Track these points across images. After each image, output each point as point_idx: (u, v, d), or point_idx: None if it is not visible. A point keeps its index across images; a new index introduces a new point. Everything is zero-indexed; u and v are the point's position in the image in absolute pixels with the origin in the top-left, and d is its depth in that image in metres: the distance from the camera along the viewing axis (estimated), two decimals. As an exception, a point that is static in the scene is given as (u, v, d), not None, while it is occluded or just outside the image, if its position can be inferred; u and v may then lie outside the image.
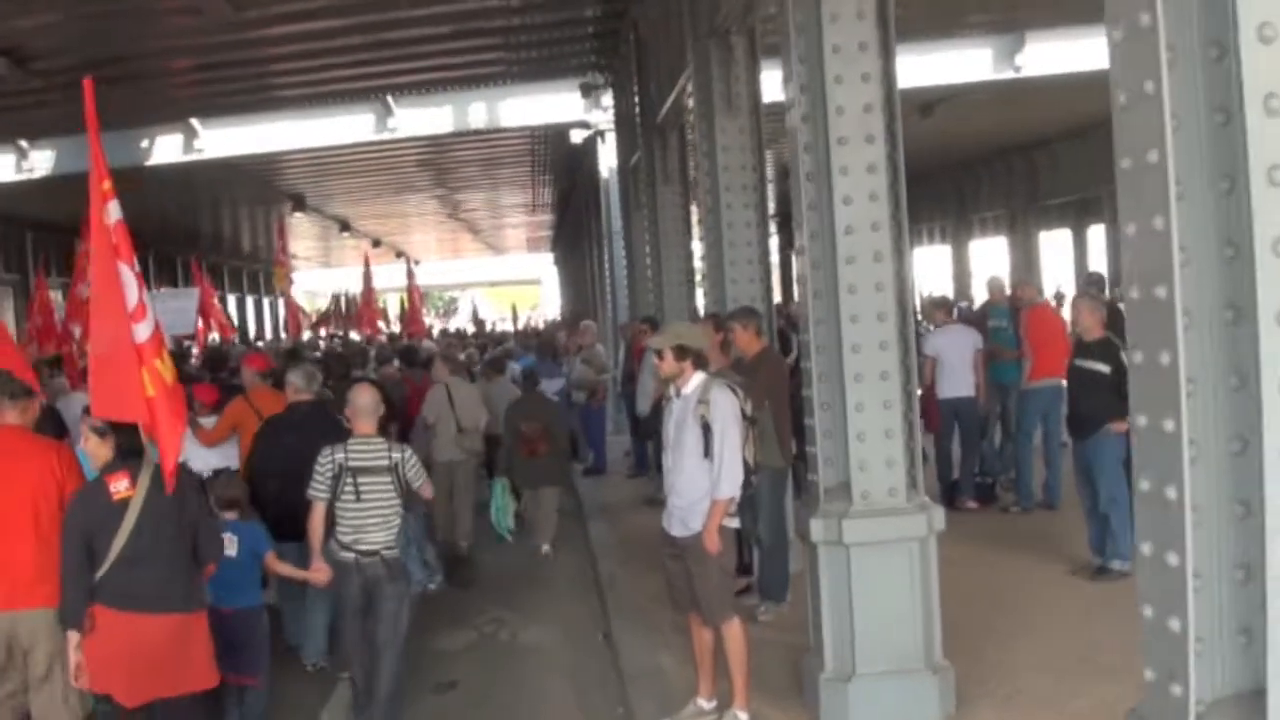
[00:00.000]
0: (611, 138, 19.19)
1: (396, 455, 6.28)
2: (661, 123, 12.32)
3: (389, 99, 18.92)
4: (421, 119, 19.44)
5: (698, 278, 11.73)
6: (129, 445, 5.19)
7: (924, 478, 5.86)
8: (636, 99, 13.57)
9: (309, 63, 14.91)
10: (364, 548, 6.15)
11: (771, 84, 7.26)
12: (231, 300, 46.94)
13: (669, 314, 12.60)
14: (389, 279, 59.89)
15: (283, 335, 24.31)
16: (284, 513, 6.74)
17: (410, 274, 30.06)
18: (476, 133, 19.94)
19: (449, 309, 70.22)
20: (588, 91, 16.64)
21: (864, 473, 5.52)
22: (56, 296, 19.81)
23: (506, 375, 13.64)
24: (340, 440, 6.35)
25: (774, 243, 10.60)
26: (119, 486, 5.06)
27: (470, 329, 37.90)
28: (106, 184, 5.19)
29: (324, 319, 35.24)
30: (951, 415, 10.83)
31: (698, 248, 10.60)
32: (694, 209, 11.76)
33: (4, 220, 26.11)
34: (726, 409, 5.79)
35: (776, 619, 7.58)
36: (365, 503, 6.16)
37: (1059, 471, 10.44)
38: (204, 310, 23.64)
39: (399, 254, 50.38)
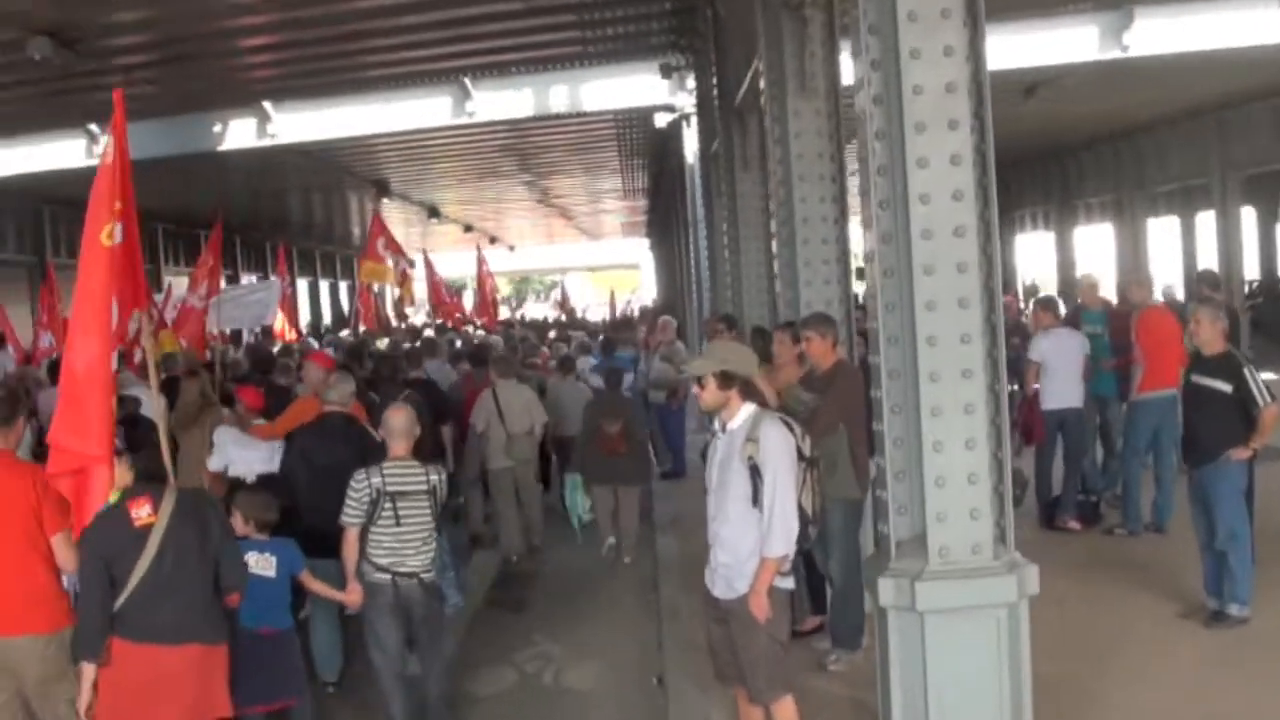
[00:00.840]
0: (696, 121, 18.42)
1: (434, 478, 6.19)
2: (740, 105, 11.44)
3: (466, 81, 18.34)
4: (500, 102, 18.85)
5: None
6: (151, 469, 5.07)
7: (1023, 498, 4.91)
8: (715, 80, 12.68)
9: (380, 41, 14.39)
10: (403, 570, 6.05)
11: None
12: (324, 287, 47.25)
13: (747, 312, 11.79)
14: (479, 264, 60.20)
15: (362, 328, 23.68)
16: (310, 528, 6.56)
17: (481, 260, 28.64)
18: (557, 116, 19.26)
19: (548, 293, 70.26)
20: (668, 72, 15.77)
21: (943, 525, 4.59)
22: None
23: (577, 374, 13.17)
24: (370, 456, 6.39)
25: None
26: (141, 512, 4.85)
27: (557, 315, 37.30)
28: (118, 204, 5.02)
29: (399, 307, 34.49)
30: (1056, 428, 9.85)
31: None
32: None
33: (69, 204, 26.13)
34: (779, 449, 4.93)
35: (848, 669, 6.72)
36: (405, 526, 6.04)
37: (1170, 492, 9.34)
38: (282, 303, 23.22)
39: (492, 239, 50.22)
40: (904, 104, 4.48)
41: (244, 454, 8.32)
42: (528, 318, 40.88)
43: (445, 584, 6.67)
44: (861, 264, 5.74)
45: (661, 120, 18.78)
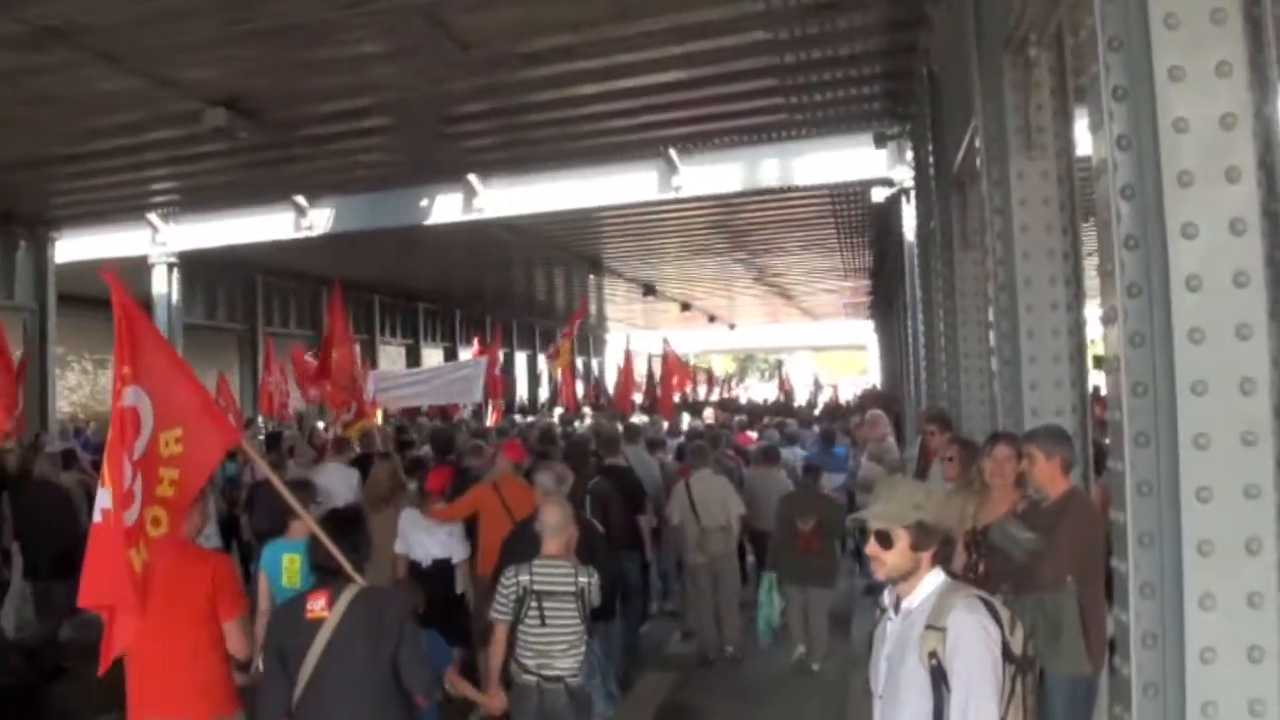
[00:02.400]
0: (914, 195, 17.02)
1: (583, 580, 6.08)
2: (958, 173, 10.01)
3: (672, 154, 17.52)
4: (708, 177, 17.96)
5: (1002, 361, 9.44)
6: (321, 562, 5.04)
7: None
8: (931, 148, 11.29)
9: (583, 110, 13.69)
10: (549, 674, 5.99)
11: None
12: (542, 361, 47.42)
13: (965, 412, 10.25)
14: (706, 342, 59.69)
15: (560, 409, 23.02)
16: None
17: (665, 341, 26.73)
18: (768, 191, 18.17)
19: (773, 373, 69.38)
20: (882, 141, 14.42)
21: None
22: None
23: (780, 466, 12.39)
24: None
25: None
26: (315, 605, 4.87)
27: (777, 397, 35.99)
28: (127, 369, 4.83)
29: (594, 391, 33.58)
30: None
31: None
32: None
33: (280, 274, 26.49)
34: (976, 647, 3.41)
35: None
36: (550, 627, 5.97)
37: None
38: (491, 382, 22.83)
39: (711, 318, 49.41)
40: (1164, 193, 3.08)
41: (422, 539, 8.48)
42: (746, 398, 40.01)
43: (594, 691, 6.43)
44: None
45: (879, 195, 17.47)
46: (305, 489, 6.74)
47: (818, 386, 42.17)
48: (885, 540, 3.60)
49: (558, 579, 6.01)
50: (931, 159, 11.24)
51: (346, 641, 4.78)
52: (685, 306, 40.28)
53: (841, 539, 11.08)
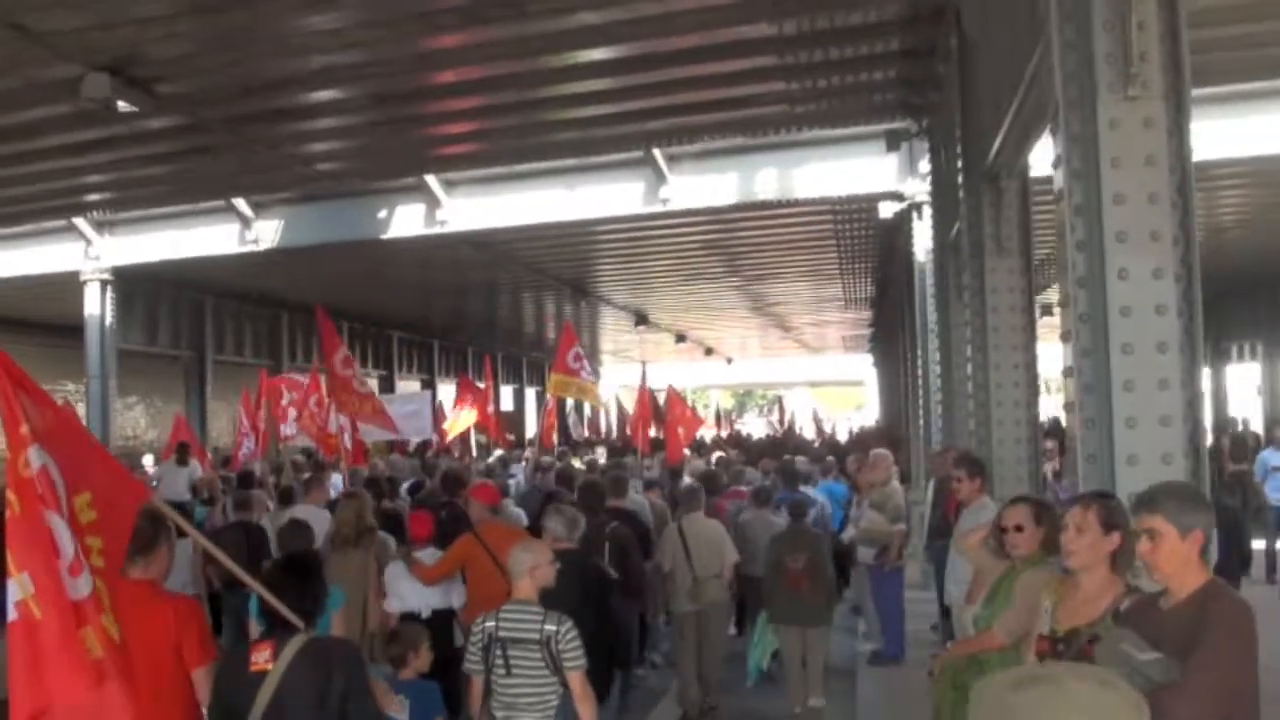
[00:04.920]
0: (929, 213, 15.25)
1: (550, 628, 5.61)
2: (992, 167, 8.24)
3: (659, 159, 15.77)
4: (699, 188, 16.28)
5: (1046, 391, 8.06)
6: (270, 612, 4.74)
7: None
8: (960, 135, 9.42)
9: (567, 114, 11.92)
10: None
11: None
12: (530, 395, 45.46)
13: (997, 454, 8.43)
14: (704, 376, 58.01)
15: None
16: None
17: (643, 375, 25.13)
18: (765, 205, 16.38)
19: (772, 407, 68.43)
20: (895, 143, 12.39)
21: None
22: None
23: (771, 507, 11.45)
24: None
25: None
26: (260, 657, 4.61)
27: (773, 434, 34.50)
28: (24, 428, 4.20)
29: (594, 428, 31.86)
30: None
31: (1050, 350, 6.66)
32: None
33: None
34: None
35: None
36: (516, 678, 5.62)
37: None
38: (484, 415, 21.13)
39: (708, 350, 47.58)
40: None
41: (416, 588, 8.12)
42: (746, 432, 38.42)
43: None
44: None
45: (887, 210, 15.69)
46: (304, 531, 6.73)
47: (819, 422, 40.52)
48: None
49: (524, 624, 5.62)
50: (960, 149, 9.39)
51: (292, 695, 4.56)
52: (680, 338, 38.47)
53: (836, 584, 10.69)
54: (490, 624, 5.68)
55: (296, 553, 6.28)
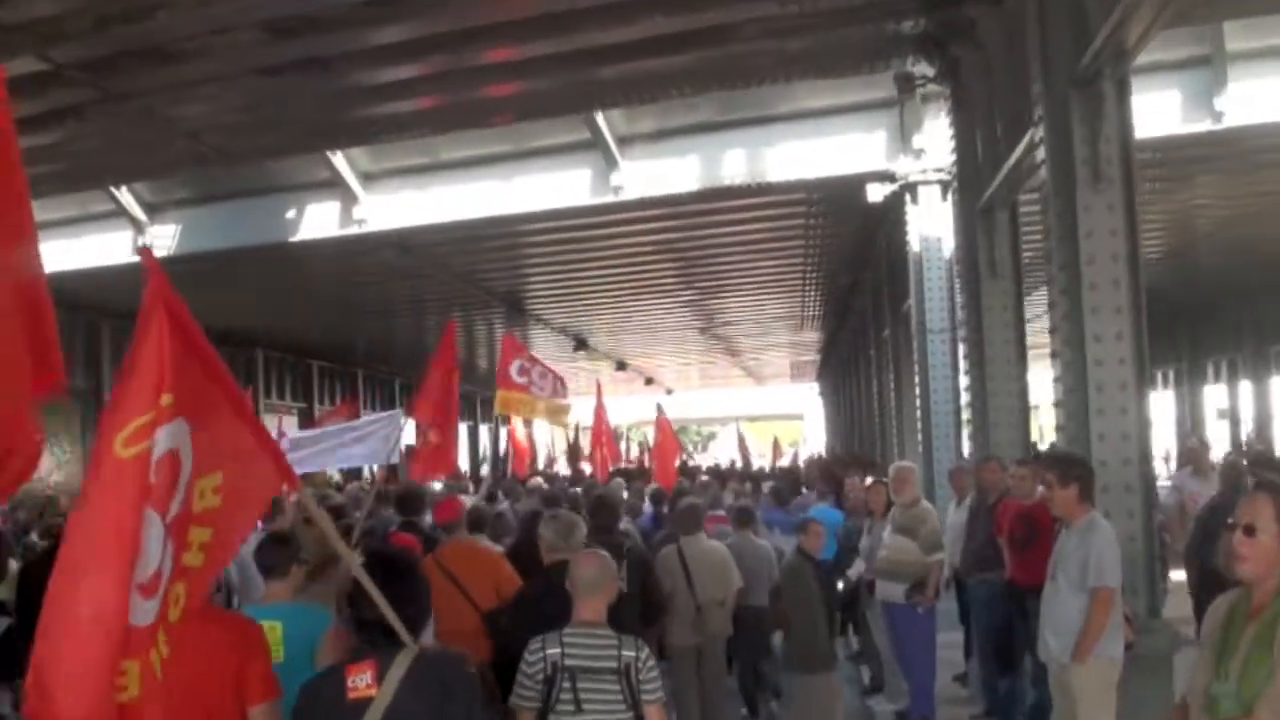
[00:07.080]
0: (926, 195, 13.31)
1: (629, 654, 4.74)
2: (1090, 66, 6.19)
3: (611, 145, 13.70)
4: (656, 173, 14.25)
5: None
6: (377, 624, 3.84)
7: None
8: (1040, 32, 7.18)
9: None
10: None
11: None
12: (484, 431, 43.10)
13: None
14: (639, 411, 55.85)
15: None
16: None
17: (600, 398, 22.61)
18: (731, 191, 14.32)
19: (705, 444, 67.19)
20: (907, 86, 10.20)
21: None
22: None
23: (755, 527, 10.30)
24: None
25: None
26: (358, 681, 3.80)
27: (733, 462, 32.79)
28: (166, 398, 3.47)
29: (574, 454, 29.54)
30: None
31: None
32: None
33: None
34: None
35: None
36: (587, 714, 4.70)
37: None
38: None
39: (648, 380, 45.47)
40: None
41: None
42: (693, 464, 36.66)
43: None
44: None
45: (876, 194, 13.66)
46: (287, 545, 5.94)
47: (745, 453, 38.75)
48: None
49: (597, 650, 4.78)
50: (1040, 42, 7.12)
51: None
52: (621, 365, 36.28)
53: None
54: (553, 650, 4.80)
55: (385, 551, 5.52)
